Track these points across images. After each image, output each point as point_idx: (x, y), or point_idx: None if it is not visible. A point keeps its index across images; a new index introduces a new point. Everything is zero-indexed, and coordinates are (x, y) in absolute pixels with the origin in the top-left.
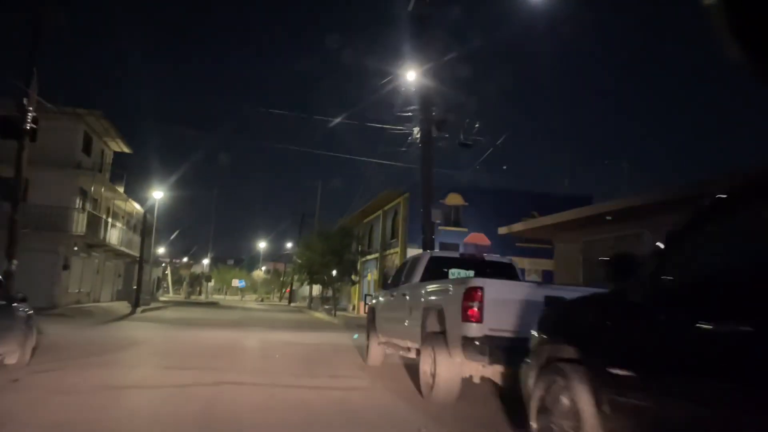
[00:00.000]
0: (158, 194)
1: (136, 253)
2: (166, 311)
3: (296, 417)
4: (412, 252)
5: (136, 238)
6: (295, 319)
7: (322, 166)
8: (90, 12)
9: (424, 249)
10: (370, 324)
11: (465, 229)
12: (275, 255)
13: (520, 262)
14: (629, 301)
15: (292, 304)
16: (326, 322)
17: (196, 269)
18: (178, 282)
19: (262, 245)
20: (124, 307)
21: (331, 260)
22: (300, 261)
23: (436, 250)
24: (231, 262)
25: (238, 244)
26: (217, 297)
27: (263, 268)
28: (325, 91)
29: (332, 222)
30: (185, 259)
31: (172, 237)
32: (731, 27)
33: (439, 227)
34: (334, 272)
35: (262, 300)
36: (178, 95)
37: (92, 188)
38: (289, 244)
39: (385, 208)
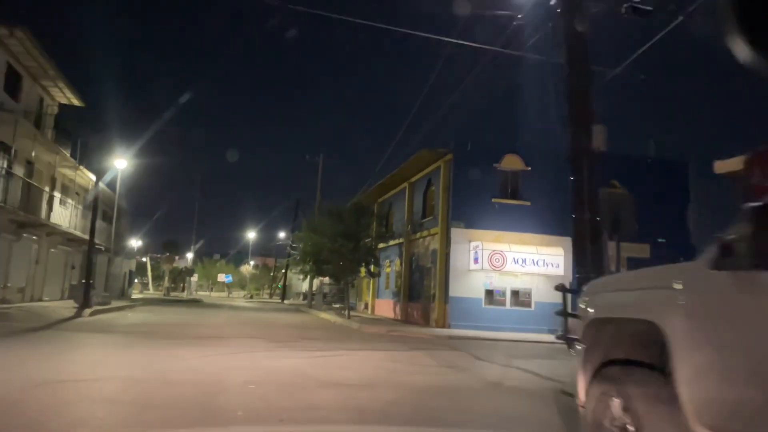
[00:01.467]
0: (121, 163)
1: (95, 240)
2: (130, 313)
3: None
4: (458, 234)
5: (102, 225)
6: (298, 322)
7: (329, 131)
8: None
9: (576, 210)
10: (630, 377)
11: (527, 203)
12: (265, 249)
13: None
14: None
15: (286, 302)
16: (342, 327)
17: (180, 264)
18: (160, 278)
19: (251, 235)
20: (68, 307)
21: (344, 245)
22: (304, 247)
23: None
24: (217, 256)
25: (224, 239)
26: (201, 294)
27: (252, 263)
28: None
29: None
30: (168, 254)
31: (150, 224)
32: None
33: (492, 199)
34: (340, 261)
35: (251, 297)
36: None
37: (17, 143)
38: (282, 234)
39: (413, 179)
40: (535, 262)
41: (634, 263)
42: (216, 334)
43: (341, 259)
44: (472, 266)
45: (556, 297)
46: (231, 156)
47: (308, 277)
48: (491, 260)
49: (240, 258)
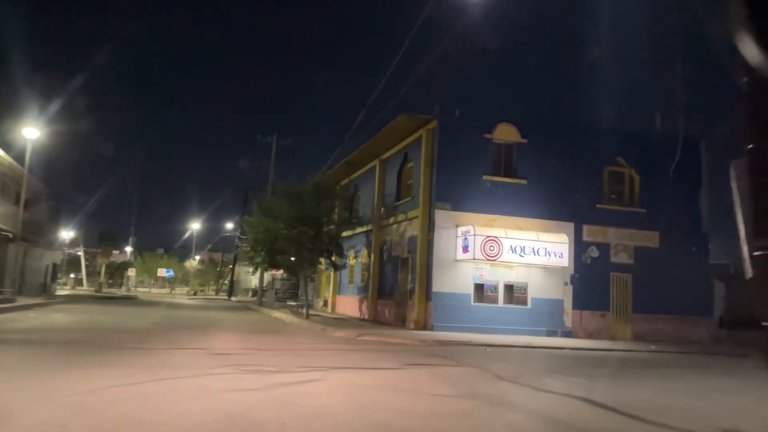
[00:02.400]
0: (31, 132)
1: (9, 228)
2: (33, 313)
3: None
4: (443, 217)
5: (14, 209)
6: (247, 323)
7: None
8: None
9: (757, 136)
10: None
11: (523, 181)
12: (212, 244)
13: (601, 234)
14: None
15: (233, 299)
16: (301, 330)
17: (119, 258)
18: (97, 273)
19: (195, 226)
20: None
21: (303, 232)
22: (255, 235)
23: None
24: (161, 250)
25: (168, 233)
26: (141, 290)
27: (197, 258)
28: None
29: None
30: (104, 247)
31: (84, 213)
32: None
33: (483, 177)
34: (299, 251)
35: (195, 293)
36: None
37: None
38: (229, 225)
39: (384, 156)
40: (535, 251)
41: (645, 253)
42: (135, 343)
43: (300, 248)
44: (461, 255)
45: (555, 293)
46: (175, 141)
47: (259, 270)
48: (485, 248)
49: (185, 253)
